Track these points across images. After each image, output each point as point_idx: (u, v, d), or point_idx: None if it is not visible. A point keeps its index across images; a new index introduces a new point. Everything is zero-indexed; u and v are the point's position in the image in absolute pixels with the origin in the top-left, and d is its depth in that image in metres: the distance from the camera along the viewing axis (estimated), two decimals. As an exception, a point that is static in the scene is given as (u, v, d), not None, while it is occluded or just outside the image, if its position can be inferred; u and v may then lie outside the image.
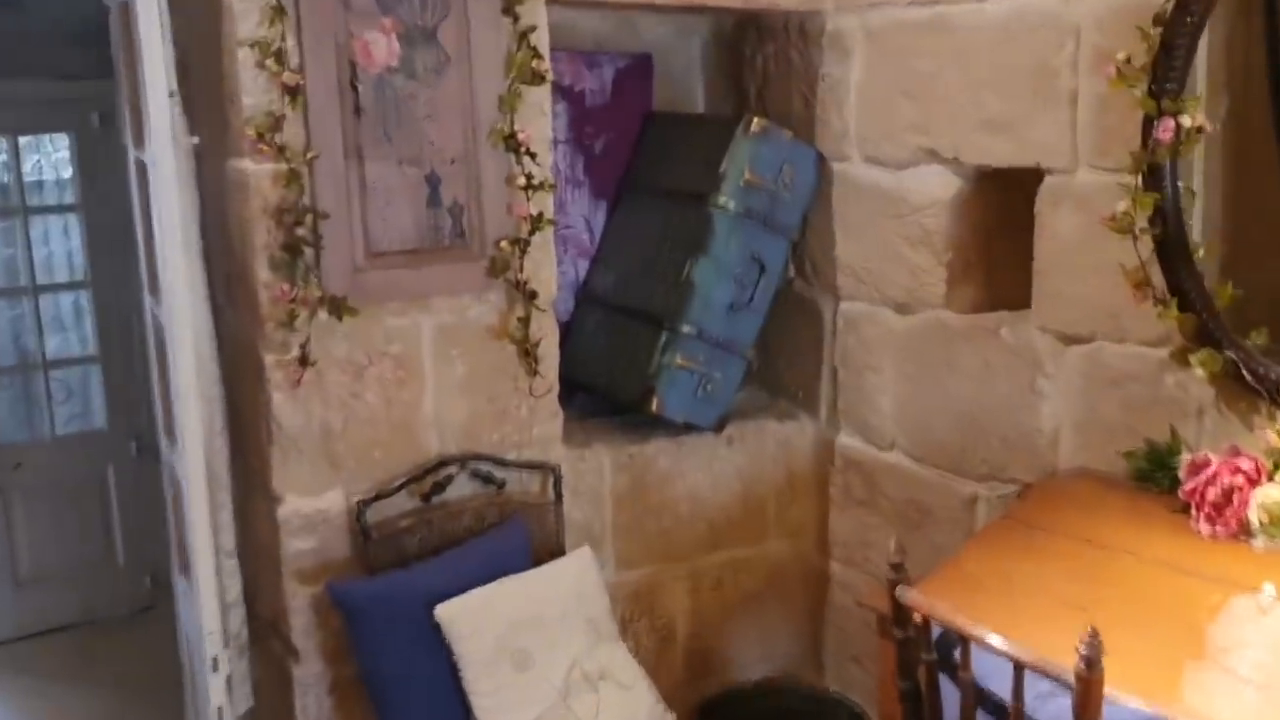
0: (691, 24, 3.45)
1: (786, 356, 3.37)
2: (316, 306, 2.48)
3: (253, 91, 2.41)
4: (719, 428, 3.10)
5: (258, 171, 2.44)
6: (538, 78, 2.66)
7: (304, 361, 2.49)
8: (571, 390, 3.02)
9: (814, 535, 3.29)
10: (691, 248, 2.98)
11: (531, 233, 2.69)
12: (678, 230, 3.05)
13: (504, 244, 2.67)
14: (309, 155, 2.43)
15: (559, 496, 2.82)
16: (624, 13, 3.28)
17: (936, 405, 2.89)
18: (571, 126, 3.25)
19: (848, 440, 3.18)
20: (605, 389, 3.13)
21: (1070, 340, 2.55)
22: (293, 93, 2.41)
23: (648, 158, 3.30)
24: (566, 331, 3.25)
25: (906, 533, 2.93)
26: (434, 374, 2.69)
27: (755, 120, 2.98)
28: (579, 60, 3.24)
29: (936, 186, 2.83)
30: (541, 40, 2.68)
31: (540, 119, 2.72)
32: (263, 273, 2.47)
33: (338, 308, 2.49)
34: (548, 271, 2.79)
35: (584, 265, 3.33)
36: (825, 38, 3.05)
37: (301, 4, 2.40)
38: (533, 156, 2.66)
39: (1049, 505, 2.37)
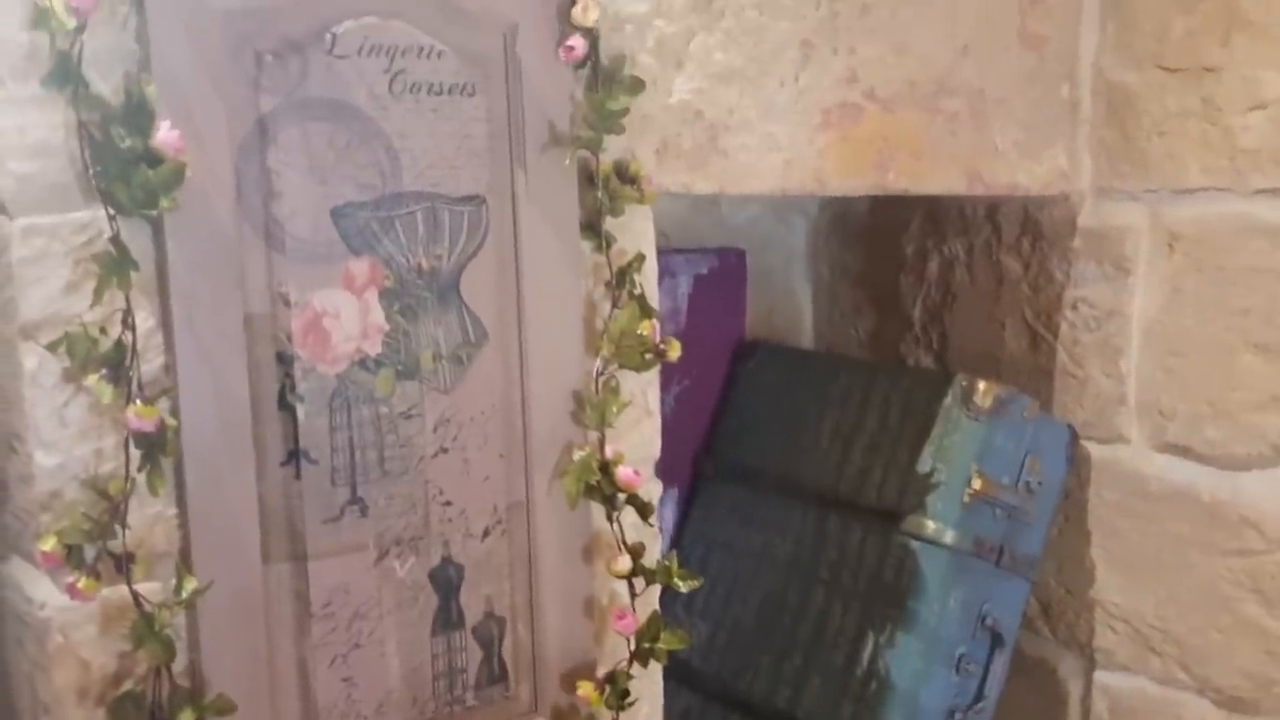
0: (795, 200, 2.19)
1: (987, 741, 2.06)
2: None
3: (54, 442, 1.04)
4: None
5: (67, 611, 1.07)
6: (649, 355, 1.34)
7: None
8: None
9: None
10: (876, 610, 1.68)
11: (641, 658, 1.35)
12: (838, 569, 1.75)
13: (584, 686, 1.32)
14: (189, 590, 1.05)
15: None
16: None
17: None
18: (635, 382, 1.95)
19: None
20: None
21: None
22: (150, 444, 1.04)
23: (749, 423, 2.00)
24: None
25: None
26: None
27: (983, 387, 1.70)
28: (643, 270, 1.95)
29: (1317, 507, 1.60)
30: (649, 279, 1.38)
31: (644, 423, 1.41)
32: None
33: None
34: None
35: (650, 601, 2.00)
36: (1079, 240, 1.81)
37: (172, 241, 1.06)
38: (644, 511, 1.34)
39: None
